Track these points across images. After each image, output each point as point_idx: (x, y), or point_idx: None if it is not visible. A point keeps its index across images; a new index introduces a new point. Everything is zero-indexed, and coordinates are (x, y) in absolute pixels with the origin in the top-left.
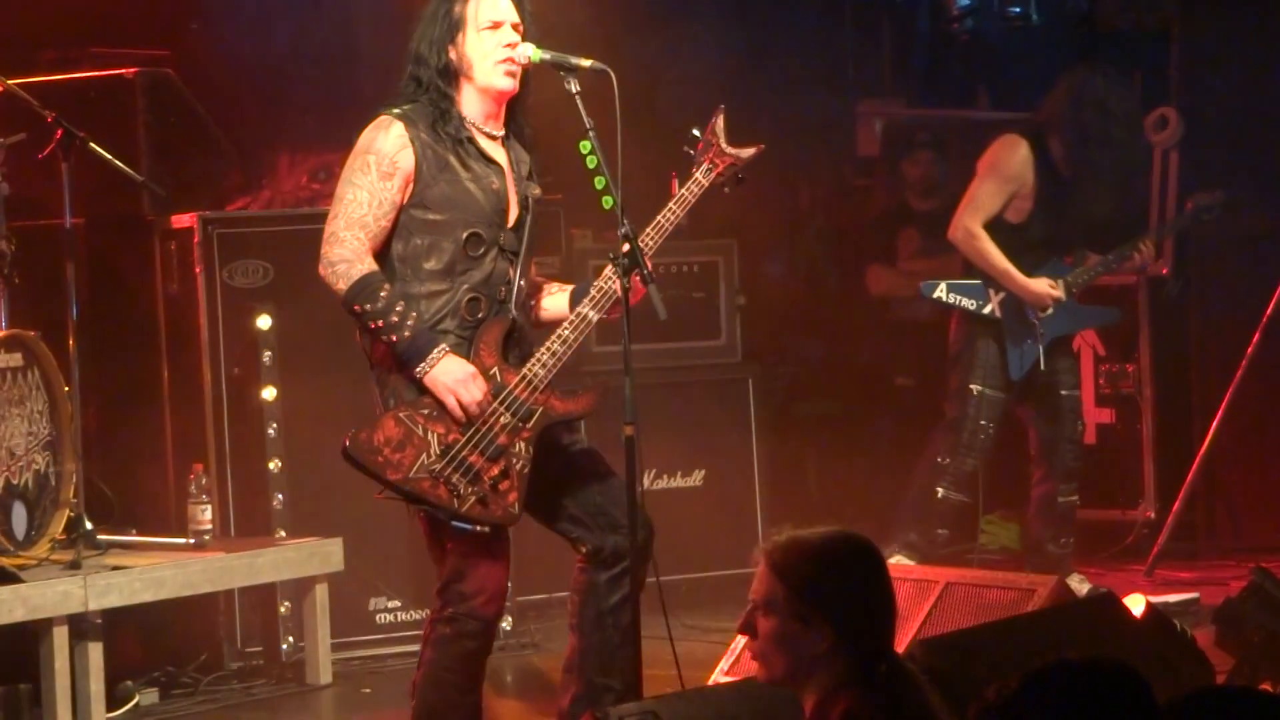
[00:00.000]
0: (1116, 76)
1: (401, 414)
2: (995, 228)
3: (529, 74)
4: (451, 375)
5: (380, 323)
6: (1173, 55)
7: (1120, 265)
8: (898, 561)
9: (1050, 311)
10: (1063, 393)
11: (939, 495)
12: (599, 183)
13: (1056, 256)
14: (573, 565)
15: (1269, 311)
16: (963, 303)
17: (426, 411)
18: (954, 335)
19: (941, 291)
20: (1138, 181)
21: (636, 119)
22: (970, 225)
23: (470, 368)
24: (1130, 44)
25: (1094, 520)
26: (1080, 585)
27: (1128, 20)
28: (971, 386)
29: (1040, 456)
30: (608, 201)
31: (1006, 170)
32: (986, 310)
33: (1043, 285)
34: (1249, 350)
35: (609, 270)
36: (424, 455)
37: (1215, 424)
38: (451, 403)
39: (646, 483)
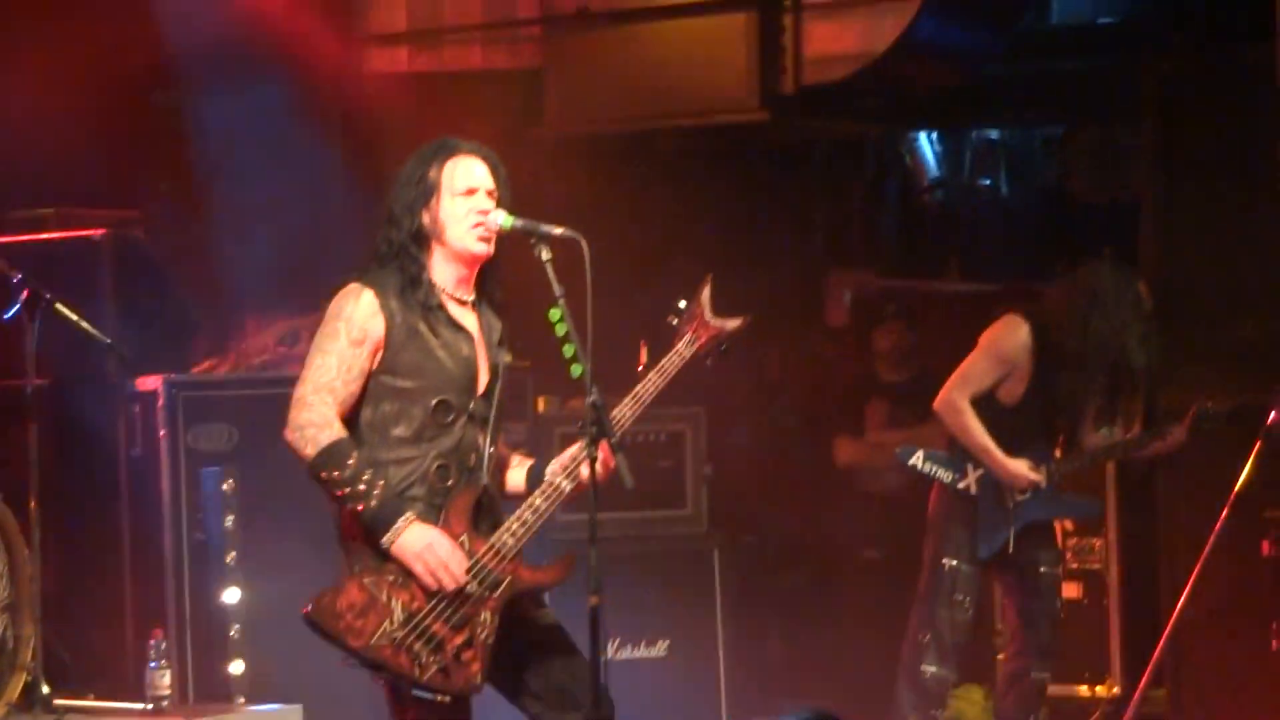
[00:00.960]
0: (1130, 276)
1: (366, 580)
2: (985, 406)
3: (501, 240)
4: (420, 541)
5: (346, 490)
6: (1143, 228)
7: (1144, 450)
8: None
9: (1028, 496)
10: (1042, 570)
11: (926, 675)
12: (568, 350)
13: (1044, 440)
14: None
15: (1237, 487)
16: (938, 474)
17: (391, 578)
18: (933, 506)
19: (918, 459)
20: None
21: (607, 289)
22: (956, 399)
23: (437, 532)
24: (1100, 216)
25: (1059, 695)
26: None
27: (1099, 194)
28: (944, 560)
29: (1016, 631)
30: (576, 369)
31: (1003, 351)
32: (961, 485)
33: (1022, 467)
34: (1217, 526)
35: (580, 442)
36: (387, 622)
37: (1183, 600)
38: (419, 569)
39: (610, 652)
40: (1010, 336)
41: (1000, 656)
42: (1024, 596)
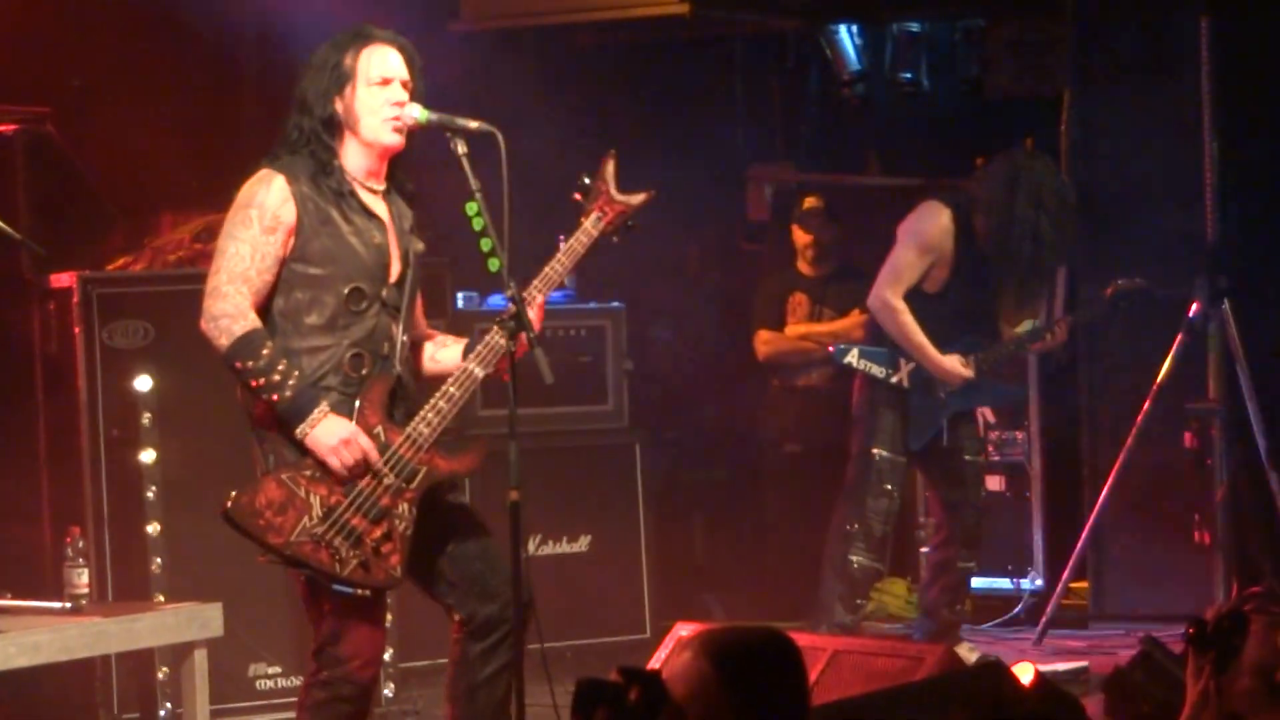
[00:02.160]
0: (1053, 167)
1: (284, 476)
2: (910, 296)
3: (413, 132)
4: (335, 435)
5: (261, 380)
6: (1064, 123)
7: (1032, 346)
8: None
9: (956, 388)
10: (966, 458)
11: (854, 564)
12: (485, 244)
13: (971, 329)
14: None
15: (1159, 379)
16: (872, 370)
17: (309, 473)
18: (857, 399)
19: (853, 357)
20: (1053, 270)
21: (522, 181)
22: (890, 297)
23: (352, 426)
24: (1021, 111)
25: (983, 588)
26: (969, 653)
27: (1020, 88)
28: (873, 451)
29: (941, 522)
30: (494, 264)
31: (927, 238)
32: (894, 380)
33: (955, 363)
34: (1138, 418)
35: (496, 327)
36: (305, 518)
37: (1105, 492)
38: (334, 463)
39: (532, 548)
40: (932, 222)
41: (924, 549)
42: (949, 486)
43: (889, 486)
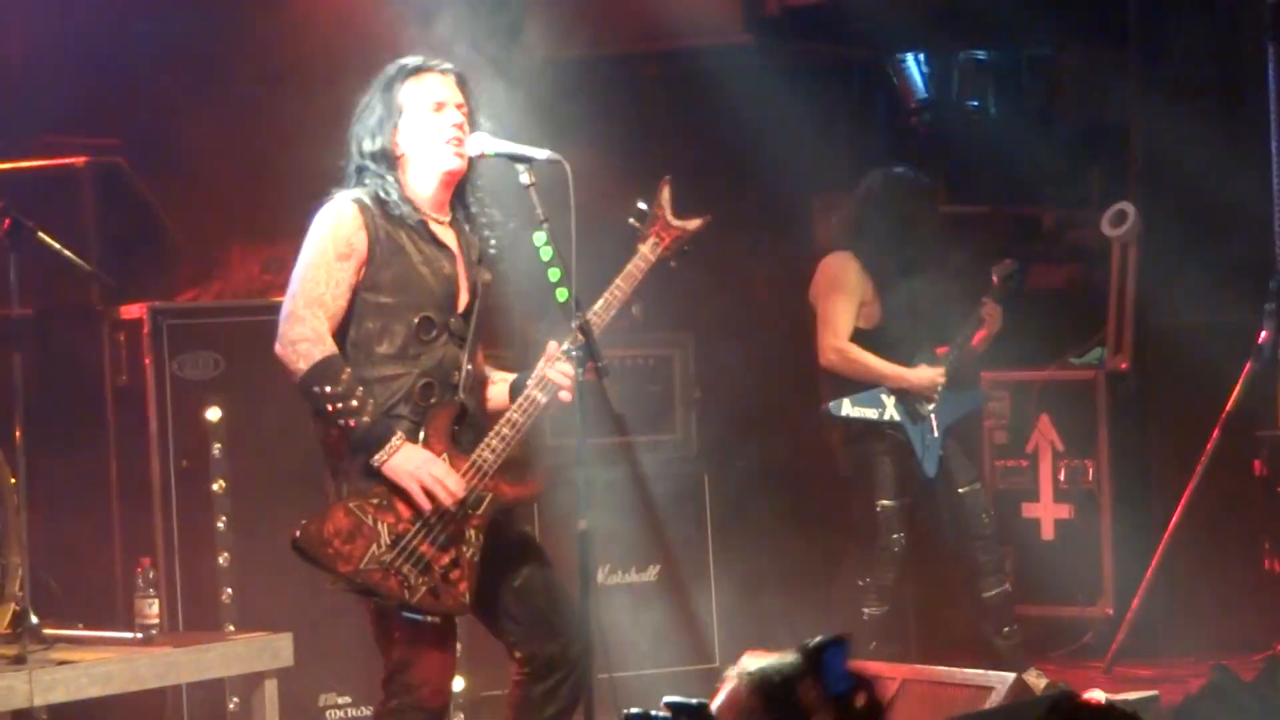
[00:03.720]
0: (893, 169)
1: (351, 504)
2: (855, 338)
3: (477, 161)
4: (413, 462)
5: (339, 405)
6: (1130, 150)
7: (973, 338)
8: None
9: (935, 404)
10: (960, 490)
11: (865, 617)
12: (553, 274)
13: (919, 346)
14: None
15: (1228, 407)
16: (867, 414)
17: (376, 501)
18: (844, 462)
19: (847, 409)
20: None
21: (590, 211)
22: (836, 344)
23: (430, 454)
24: (1088, 138)
25: (1052, 616)
26: (1038, 681)
27: (1086, 115)
28: (878, 504)
29: (954, 557)
30: (562, 294)
31: (845, 284)
32: (886, 417)
33: (925, 372)
34: (1208, 446)
35: (556, 351)
36: (374, 546)
37: (1175, 520)
38: (414, 489)
39: (601, 577)
40: (843, 268)
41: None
42: (950, 524)
43: (896, 535)
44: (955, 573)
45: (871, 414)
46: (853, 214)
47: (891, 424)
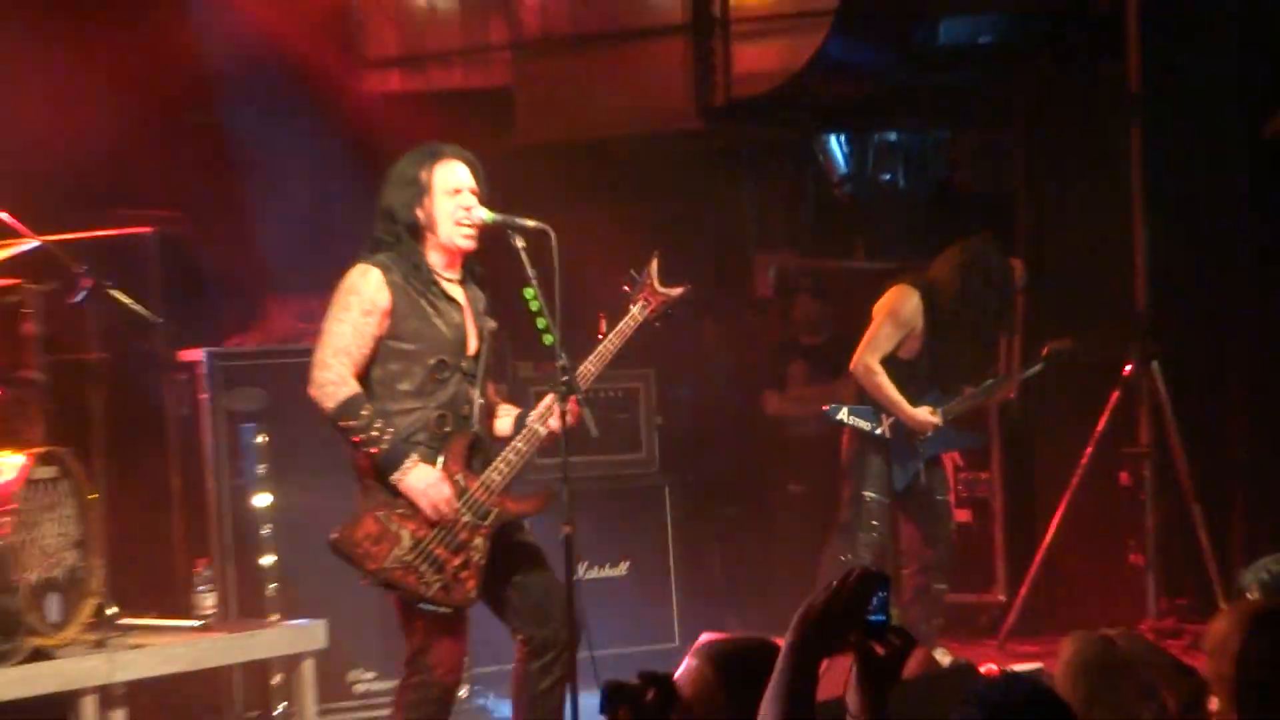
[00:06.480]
0: (1001, 253)
1: (379, 513)
2: (887, 362)
3: (480, 229)
4: (423, 481)
5: (362, 436)
6: (1018, 213)
7: (995, 396)
8: None
9: (929, 435)
10: (938, 498)
11: None
12: (540, 323)
13: (937, 386)
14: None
15: (1099, 428)
16: (860, 424)
17: (400, 511)
18: (846, 451)
19: (844, 414)
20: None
21: (570, 270)
22: (870, 362)
23: (437, 474)
24: (982, 204)
25: (954, 603)
26: (943, 657)
27: (980, 184)
28: (864, 494)
29: (917, 551)
30: (548, 339)
31: (900, 316)
32: (878, 432)
33: (925, 414)
34: (1083, 461)
35: (551, 402)
36: (396, 548)
37: (1055, 522)
38: (423, 504)
39: (581, 572)
40: (904, 303)
41: (905, 572)
42: (925, 523)
43: (876, 524)
44: (907, 565)
45: (865, 425)
46: (943, 265)
47: (882, 439)
